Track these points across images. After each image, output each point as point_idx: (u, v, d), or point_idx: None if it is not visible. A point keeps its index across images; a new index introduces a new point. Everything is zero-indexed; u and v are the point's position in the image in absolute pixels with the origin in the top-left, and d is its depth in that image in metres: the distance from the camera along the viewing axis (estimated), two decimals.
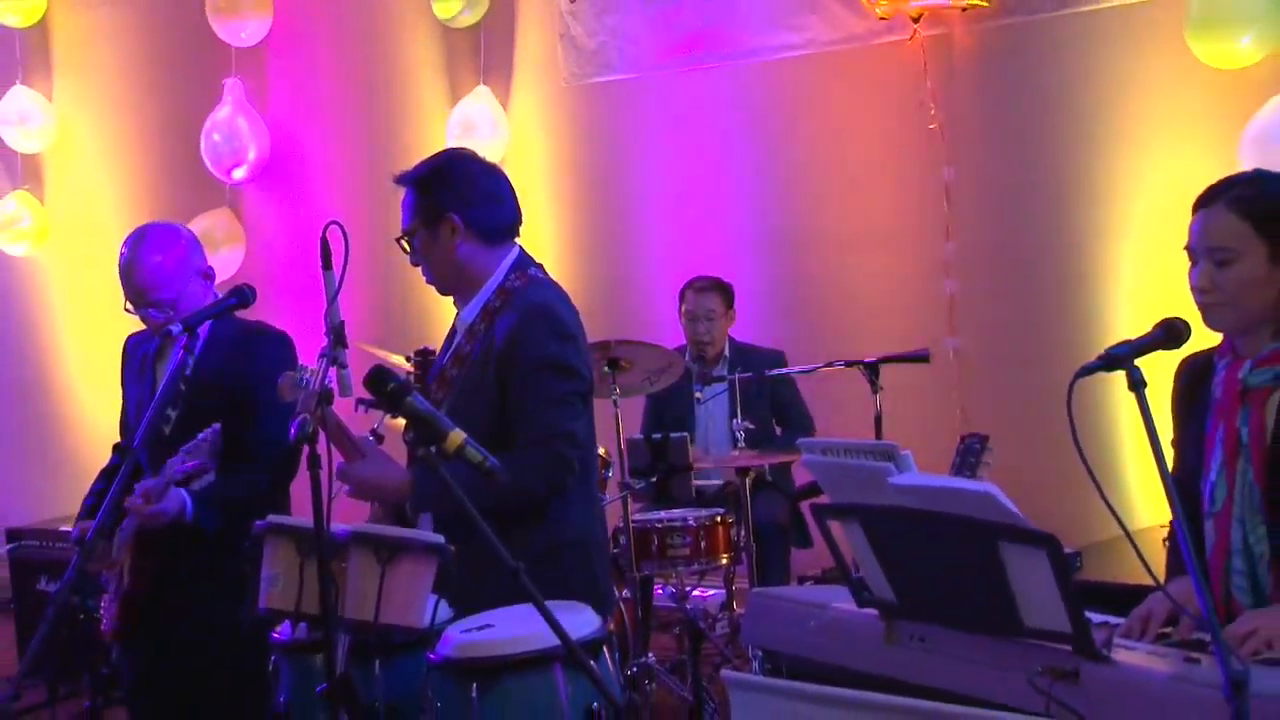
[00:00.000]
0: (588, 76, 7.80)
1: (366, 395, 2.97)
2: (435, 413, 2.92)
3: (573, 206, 7.73)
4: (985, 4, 6.60)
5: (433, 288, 3.85)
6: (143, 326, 4.33)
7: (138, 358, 4.38)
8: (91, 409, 8.82)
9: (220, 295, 4.07)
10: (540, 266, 3.81)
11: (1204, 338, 2.90)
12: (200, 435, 3.85)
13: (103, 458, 4.51)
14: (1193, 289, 2.89)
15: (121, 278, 4.18)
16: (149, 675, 4.26)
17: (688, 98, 7.55)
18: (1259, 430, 2.84)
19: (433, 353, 3.96)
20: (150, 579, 4.10)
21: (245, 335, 4.25)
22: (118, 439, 4.56)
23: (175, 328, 3.83)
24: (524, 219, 3.83)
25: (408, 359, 4.03)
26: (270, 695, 3.48)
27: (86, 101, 9.06)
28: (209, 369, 4.15)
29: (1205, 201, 2.90)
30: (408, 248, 3.76)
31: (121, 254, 4.18)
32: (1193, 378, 3.04)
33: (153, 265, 4.12)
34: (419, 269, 3.81)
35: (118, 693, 6.60)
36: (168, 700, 4.26)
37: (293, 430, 2.82)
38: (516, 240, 3.80)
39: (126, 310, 4.20)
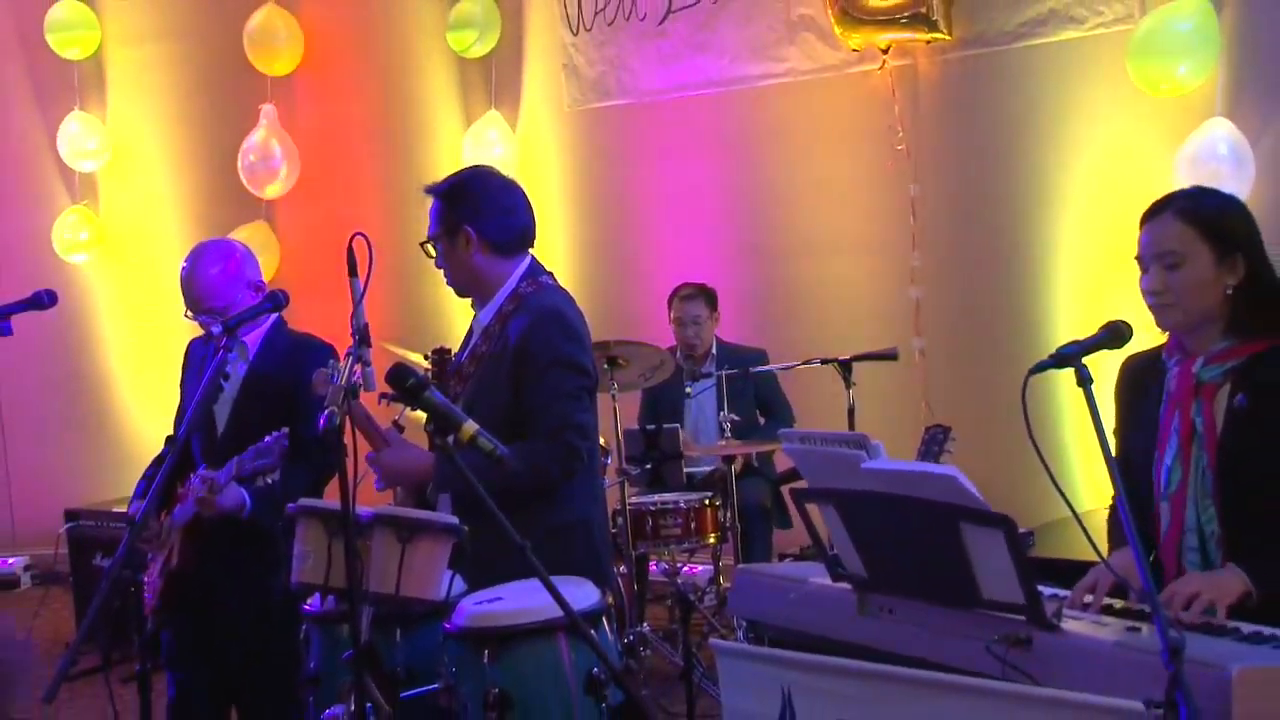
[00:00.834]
0: (589, 102, 7.81)
1: (389, 390, 2.96)
2: (450, 406, 2.91)
3: (575, 219, 7.72)
4: (947, 37, 6.62)
5: (452, 291, 3.84)
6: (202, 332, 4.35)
7: (197, 360, 4.38)
8: (139, 401, 8.84)
9: None
10: (551, 274, 3.80)
11: (1143, 339, 2.90)
12: (269, 438, 3.86)
13: (150, 446, 4.52)
14: (1144, 293, 2.88)
15: (182, 288, 4.19)
16: (193, 646, 4.26)
17: (679, 121, 7.55)
18: (1211, 420, 2.84)
19: (449, 351, 3.95)
20: (195, 559, 4.12)
21: (295, 345, 4.27)
22: (168, 430, 4.56)
23: (216, 328, 3.84)
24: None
25: (426, 357, 4.00)
26: (302, 661, 3.48)
27: (137, 125, 9.04)
28: (262, 374, 4.19)
29: (1153, 214, 2.89)
30: (432, 252, 3.76)
31: (183, 267, 4.20)
32: (1136, 374, 3.05)
33: (209, 277, 4.14)
34: (437, 274, 3.81)
35: (164, 658, 6.63)
36: (210, 668, 4.26)
37: (321, 422, 2.81)
38: (530, 250, 3.78)
39: (186, 317, 4.21)
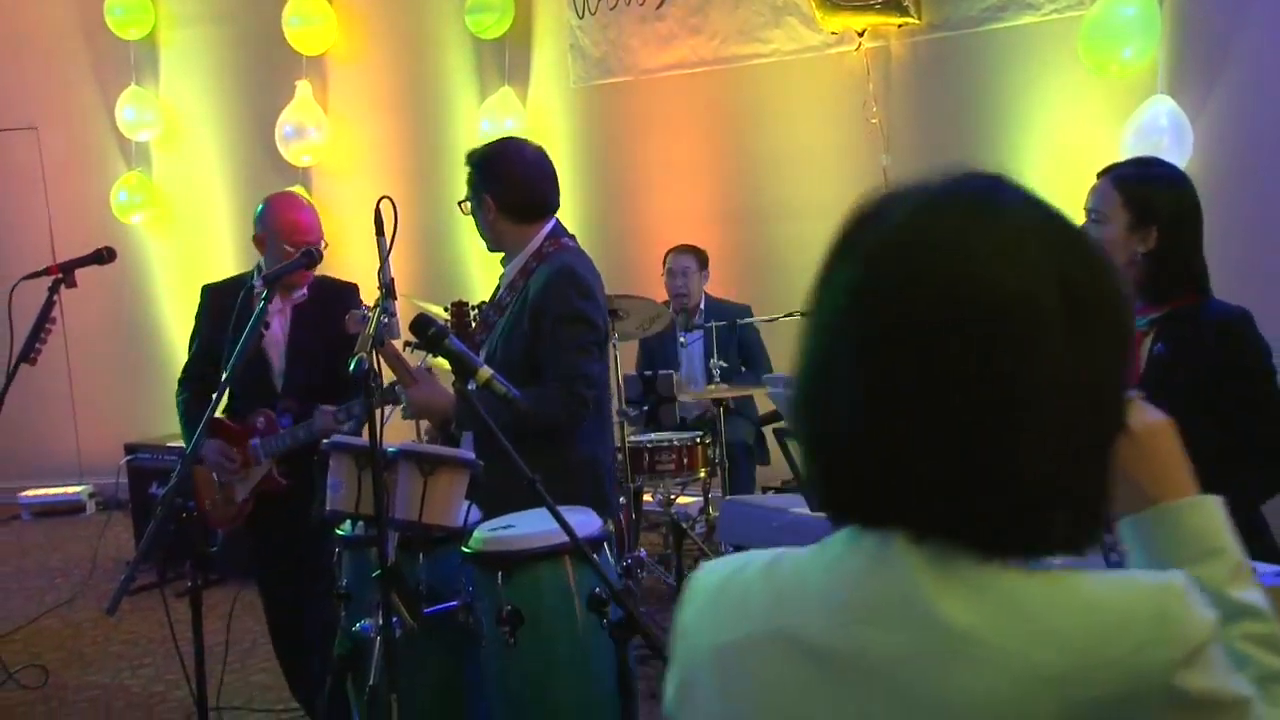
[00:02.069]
0: (593, 79, 7.77)
1: (412, 338, 2.95)
2: (467, 352, 2.90)
3: (580, 185, 7.67)
4: (917, 22, 6.60)
5: (468, 250, 3.83)
6: (220, 280, 4.33)
7: (218, 307, 4.33)
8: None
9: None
10: (573, 237, 3.76)
11: None
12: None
13: None
14: None
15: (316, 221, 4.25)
16: (270, 558, 4.31)
17: (674, 97, 7.52)
18: (1135, 366, 2.84)
19: (466, 304, 3.93)
20: (281, 484, 4.18)
21: (337, 291, 4.27)
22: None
23: (257, 283, 3.81)
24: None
25: (445, 309, 3.98)
26: (335, 579, 3.48)
27: (187, 99, 9.02)
28: (309, 321, 4.16)
29: (1101, 173, 2.94)
30: (467, 211, 3.75)
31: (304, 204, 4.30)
32: None
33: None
34: (457, 234, 3.81)
35: (214, 575, 6.66)
36: (279, 578, 4.30)
37: (353, 367, 2.80)
38: (553, 215, 3.75)
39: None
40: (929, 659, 1.08)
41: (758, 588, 1.22)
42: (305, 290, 4.28)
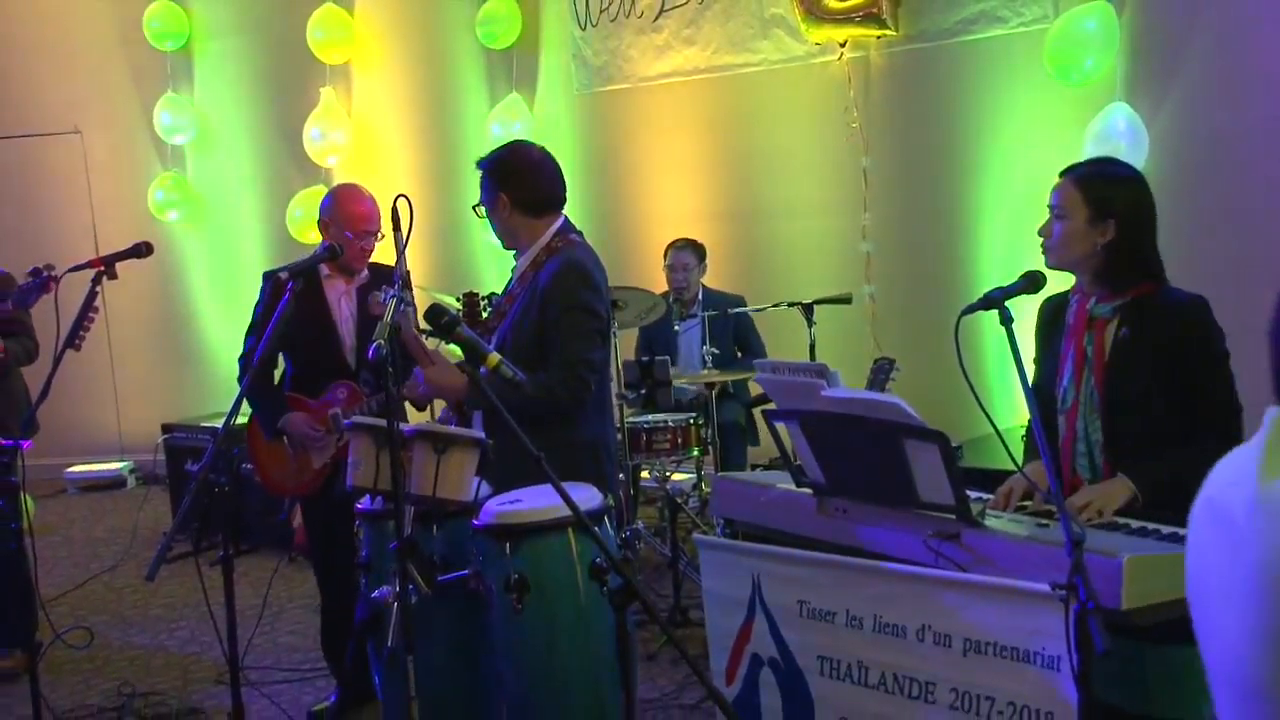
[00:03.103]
0: (595, 87, 7.74)
1: (427, 326, 2.93)
2: (478, 339, 2.89)
3: (584, 185, 7.64)
4: (895, 34, 6.58)
5: (479, 244, 3.81)
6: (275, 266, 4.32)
7: (268, 293, 4.30)
8: (220, 335, 8.82)
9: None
10: (580, 233, 3.74)
11: (1057, 285, 2.89)
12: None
13: (226, 372, 4.46)
14: (1039, 233, 2.95)
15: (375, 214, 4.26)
16: (325, 524, 4.28)
17: (670, 102, 7.49)
18: (1100, 348, 2.86)
19: (478, 295, 3.92)
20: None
21: (386, 273, 4.17)
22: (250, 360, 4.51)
23: (283, 274, 3.77)
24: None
25: (457, 299, 3.97)
26: (356, 550, 3.48)
27: (219, 105, 8.99)
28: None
29: (1064, 173, 2.94)
30: (481, 213, 3.73)
31: (365, 195, 4.28)
32: (1051, 312, 3.08)
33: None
34: (468, 230, 3.78)
35: (245, 545, 6.66)
36: (332, 545, 4.27)
37: (370, 353, 2.78)
38: (561, 211, 3.74)
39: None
40: (1261, 518, 1.18)
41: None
42: (366, 273, 4.29)
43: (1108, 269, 2.85)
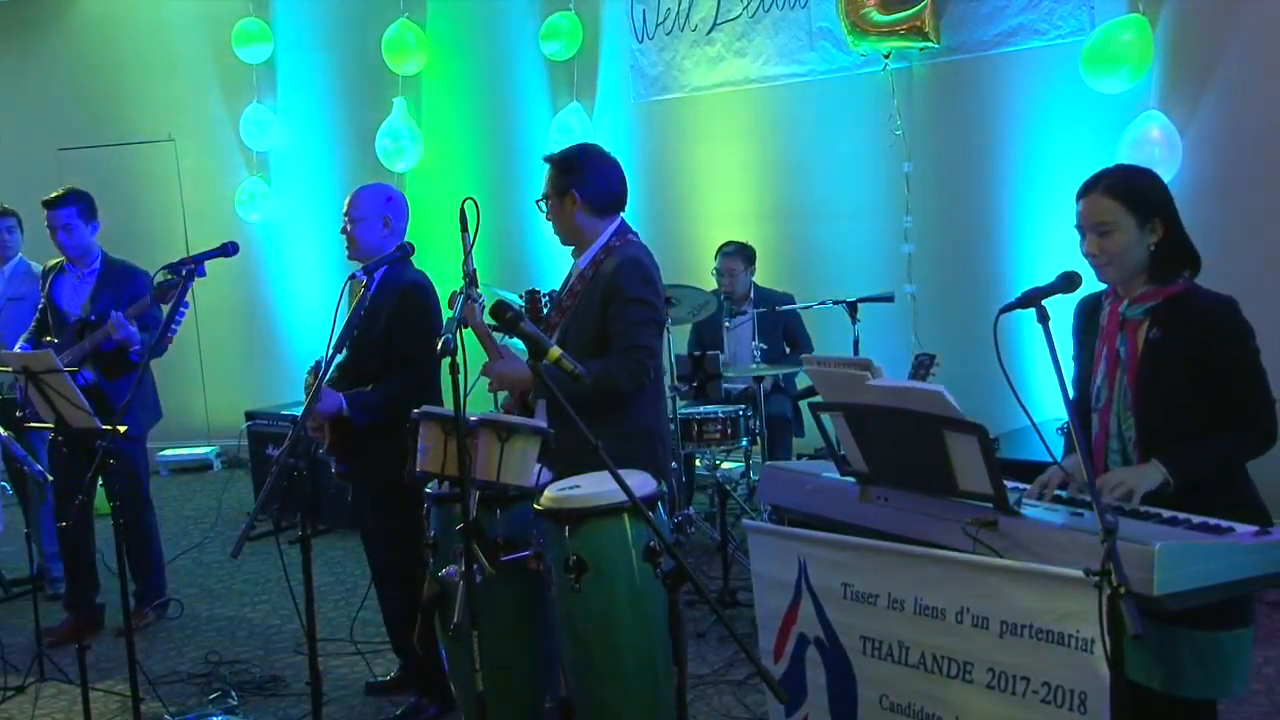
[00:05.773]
0: (651, 96, 7.74)
1: (492, 321, 2.94)
2: (540, 334, 2.88)
3: (640, 189, 7.55)
4: (937, 45, 6.53)
5: (541, 245, 3.81)
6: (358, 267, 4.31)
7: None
8: (299, 328, 8.94)
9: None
10: (636, 234, 3.74)
11: (1093, 284, 2.84)
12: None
13: (304, 363, 4.49)
14: (1085, 255, 2.84)
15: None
16: (359, 508, 4.30)
17: (722, 111, 7.47)
18: (1133, 350, 2.79)
19: (539, 292, 3.92)
20: (336, 446, 4.12)
21: (398, 283, 4.11)
22: (321, 350, 4.54)
23: (359, 273, 3.80)
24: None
25: (521, 296, 3.98)
26: (424, 530, 3.50)
27: (300, 114, 9.07)
28: (377, 305, 4.11)
29: (1086, 190, 2.82)
30: (544, 209, 3.72)
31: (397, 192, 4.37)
32: (1086, 312, 3.00)
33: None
34: (532, 230, 3.79)
35: (322, 526, 6.73)
36: (373, 529, 4.30)
37: (439, 346, 2.79)
38: (622, 213, 3.73)
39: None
40: None
41: None
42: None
43: (1159, 265, 2.77)
